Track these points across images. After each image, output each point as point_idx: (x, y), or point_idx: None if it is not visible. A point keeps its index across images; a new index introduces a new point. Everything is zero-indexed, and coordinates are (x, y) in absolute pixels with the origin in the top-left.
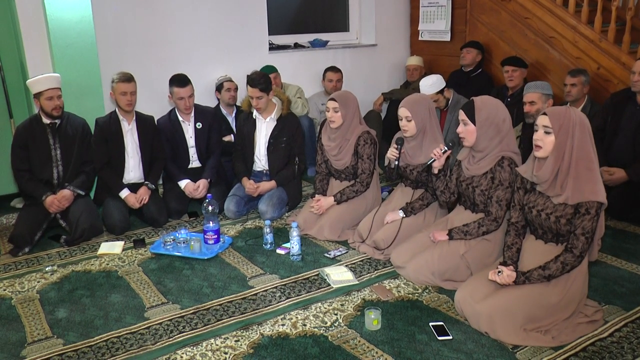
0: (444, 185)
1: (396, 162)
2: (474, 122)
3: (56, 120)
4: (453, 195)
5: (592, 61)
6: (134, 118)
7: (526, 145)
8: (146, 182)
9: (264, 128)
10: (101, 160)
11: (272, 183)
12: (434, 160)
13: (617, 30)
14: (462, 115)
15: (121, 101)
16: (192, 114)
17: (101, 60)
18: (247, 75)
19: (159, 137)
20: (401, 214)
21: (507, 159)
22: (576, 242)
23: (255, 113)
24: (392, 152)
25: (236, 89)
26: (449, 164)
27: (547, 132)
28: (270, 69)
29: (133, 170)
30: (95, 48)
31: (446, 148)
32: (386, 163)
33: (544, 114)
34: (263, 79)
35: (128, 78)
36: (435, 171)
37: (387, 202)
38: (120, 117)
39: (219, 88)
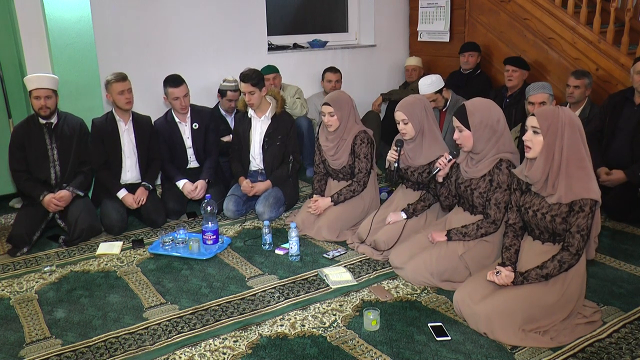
0: (448, 190)
1: (396, 164)
2: (468, 127)
3: (52, 120)
4: (455, 198)
5: (590, 62)
6: (131, 118)
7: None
8: (143, 183)
9: (258, 127)
10: (98, 161)
11: (268, 183)
12: (439, 170)
13: (615, 31)
14: (455, 122)
15: (120, 101)
16: (189, 115)
17: (100, 60)
18: (241, 72)
19: (156, 137)
20: (403, 215)
21: (505, 161)
22: (572, 240)
23: (250, 112)
24: (391, 154)
25: (238, 99)
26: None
27: (535, 132)
28: (270, 69)
29: (130, 170)
30: (94, 48)
31: (451, 157)
32: (387, 165)
33: (533, 114)
34: (255, 75)
35: (123, 77)
36: (440, 180)
37: (388, 204)
38: (117, 118)
39: (222, 93)
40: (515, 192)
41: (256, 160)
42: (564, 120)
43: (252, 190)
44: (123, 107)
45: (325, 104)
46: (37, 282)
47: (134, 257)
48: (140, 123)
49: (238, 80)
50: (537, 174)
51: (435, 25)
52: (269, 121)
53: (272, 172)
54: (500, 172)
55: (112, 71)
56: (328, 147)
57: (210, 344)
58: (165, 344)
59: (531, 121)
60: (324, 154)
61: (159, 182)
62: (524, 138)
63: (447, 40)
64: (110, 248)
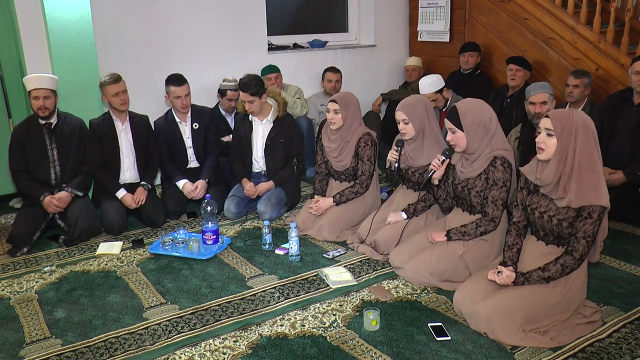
0: (445, 192)
1: (396, 165)
2: (461, 128)
3: (52, 121)
4: (454, 199)
5: (590, 62)
6: (127, 118)
7: (525, 147)
8: (142, 183)
9: (260, 130)
10: (96, 162)
11: (270, 183)
12: (434, 172)
13: (615, 31)
14: (448, 124)
15: (115, 102)
16: (189, 115)
17: (100, 60)
18: (239, 79)
19: (154, 137)
20: (404, 215)
21: (499, 158)
22: (577, 245)
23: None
24: (392, 155)
25: (238, 98)
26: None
27: (549, 135)
28: (272, 69)
29: (128, 170)
30: (94, 48)
31: (444, 157)
32: (387, 165)
33: (547, 116)
34: (254, 83)
35: (116, 78)
36: (436, 182)
37: (388, 204)
38: (114, 118)
39: (222, 92)
40: (522, 191)
41: (259, 163)
42: (577, 122)
43: (255, 193)
44: (118, 108)
45: (332, 100)
46: (37, 282)
47: (134, 257)
48: (137, 122)
49: (236, 84)
50: (549, 177)
51: (435, 25)
52: (271, 124)
53: (276, 173)
54: (495, 169)
55: (112, 71)
56: (331, 149)
57: (210, 344)
58: (165, 344)
59: (545, 123)
60: (327, 155)
61: (158, 182)
62: (537, 140)
63: (447, 40)
64: (110, 248)
